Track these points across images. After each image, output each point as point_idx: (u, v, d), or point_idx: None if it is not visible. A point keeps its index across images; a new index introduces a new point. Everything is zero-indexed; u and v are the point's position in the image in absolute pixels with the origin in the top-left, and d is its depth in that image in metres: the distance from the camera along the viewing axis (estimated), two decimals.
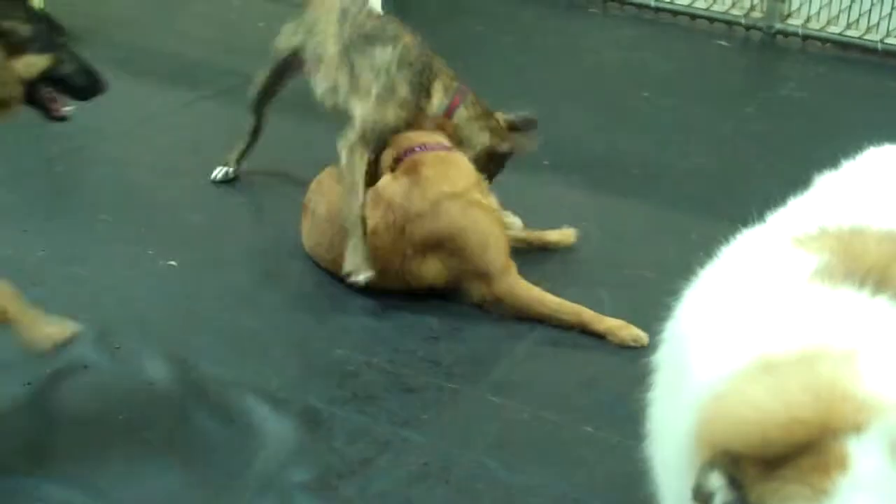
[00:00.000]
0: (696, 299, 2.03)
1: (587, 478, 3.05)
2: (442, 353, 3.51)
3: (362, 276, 3.66)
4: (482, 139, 3.97)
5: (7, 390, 3.22)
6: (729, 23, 6.60)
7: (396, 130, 3.85)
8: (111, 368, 3.35)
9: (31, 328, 3.13)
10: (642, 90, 5.24)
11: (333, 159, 3.90)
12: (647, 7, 6.79)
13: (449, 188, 3.73)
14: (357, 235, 3.67)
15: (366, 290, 3.73)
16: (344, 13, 4.02)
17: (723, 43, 6.44)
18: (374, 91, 3.85)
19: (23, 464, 2.97)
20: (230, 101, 4.79)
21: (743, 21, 6.56)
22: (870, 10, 6.34)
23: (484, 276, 3.72)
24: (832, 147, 5.25)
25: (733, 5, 6.65)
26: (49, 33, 3.03)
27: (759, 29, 6.53)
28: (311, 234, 3.93)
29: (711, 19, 6.62)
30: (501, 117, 4.05)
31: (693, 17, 6.71)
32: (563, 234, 4.17)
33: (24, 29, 2.95)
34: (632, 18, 6.69)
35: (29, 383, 3.25)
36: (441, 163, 3.79)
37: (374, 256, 3.70)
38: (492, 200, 3.86)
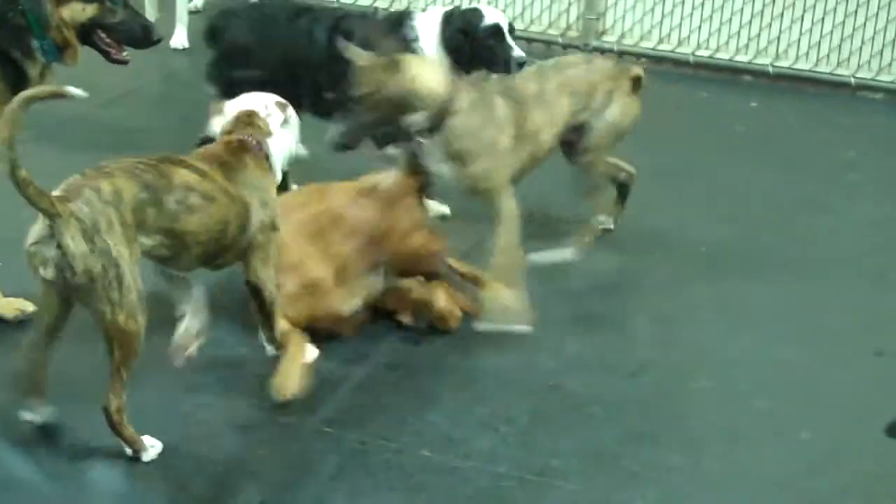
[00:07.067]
0: None
1: (428, 502, 3.03)
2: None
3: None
4: None
5: None
6: (548, 42, 6.72)
7: None
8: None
9: None
10: None
11: None
12: None
13: None
14: None
15: None
16: None
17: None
18: None
19: None
20: None
21: (560, 40, 6.69)
22: (680, 24, 6.56)
23: None
24: (648, 157, 5.36)
25: (550, 25, 6.77)
26: None
27: (577, 47, 6.66)
28: None
29: (530, 40, 6.73)
30: None
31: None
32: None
33: None
34: None
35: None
36: None
37: None
38: None
